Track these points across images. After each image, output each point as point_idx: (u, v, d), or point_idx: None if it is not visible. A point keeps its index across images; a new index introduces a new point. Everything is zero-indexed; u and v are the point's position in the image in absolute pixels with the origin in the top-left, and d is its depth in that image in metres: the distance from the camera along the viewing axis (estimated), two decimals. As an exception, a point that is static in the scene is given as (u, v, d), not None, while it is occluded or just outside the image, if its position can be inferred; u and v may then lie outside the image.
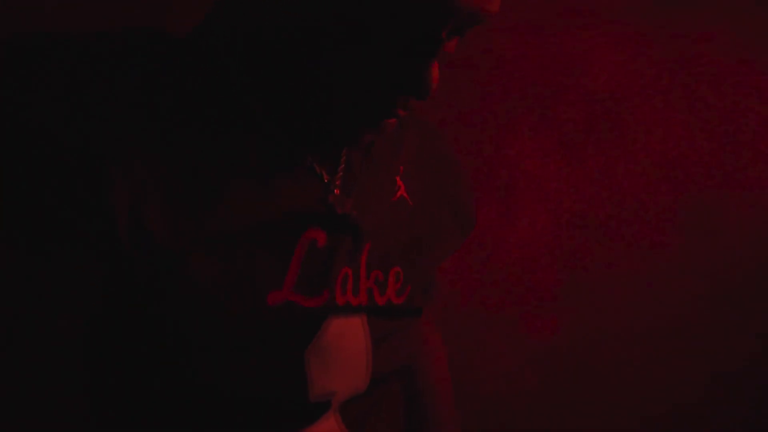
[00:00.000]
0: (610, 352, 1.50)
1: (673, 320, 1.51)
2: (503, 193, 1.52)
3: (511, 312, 1.52)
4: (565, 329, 1.52)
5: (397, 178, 0.83)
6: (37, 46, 0.64)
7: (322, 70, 0.64)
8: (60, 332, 0.66)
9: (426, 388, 0.96)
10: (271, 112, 0.69)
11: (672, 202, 1.53)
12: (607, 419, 1.50)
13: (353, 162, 0.77)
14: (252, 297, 0.66)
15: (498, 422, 1.50)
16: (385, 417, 0.81)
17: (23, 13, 0.98)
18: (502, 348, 1.51)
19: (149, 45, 0.69)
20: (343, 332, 0.72)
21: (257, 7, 0.66)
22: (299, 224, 0.70)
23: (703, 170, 1.52)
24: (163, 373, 0.66)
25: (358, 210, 0.74)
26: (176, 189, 0.63)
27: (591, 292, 1.52)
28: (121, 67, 0.65)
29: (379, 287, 0.76)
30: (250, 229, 0.66)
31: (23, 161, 0.58)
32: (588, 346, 1.51)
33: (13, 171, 0.58)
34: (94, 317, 0.66)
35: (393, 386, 0.84)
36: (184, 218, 0.63)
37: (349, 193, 0.74)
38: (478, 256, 1.52)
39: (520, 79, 1.54)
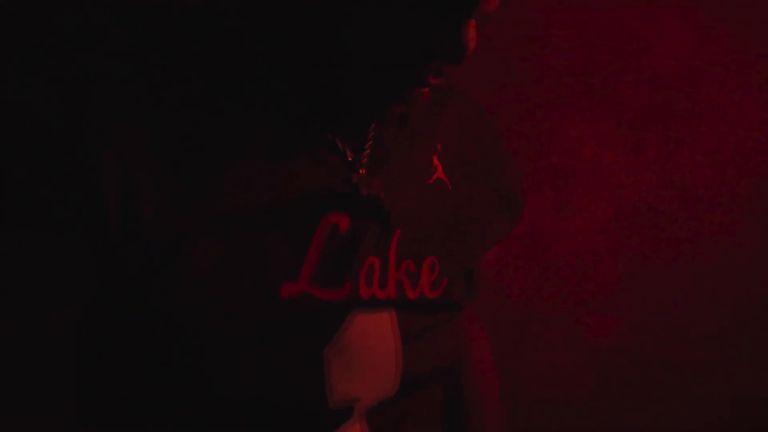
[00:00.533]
0: (674, 351, 1.40)
1: (741, 317, 1.39)
2: (559, 181, 1.42)
3: (566, 309, 1.42)
4: (625, 327, 1.41)
5: (434, 158, 0.74)
6: (21, 12, 0.58)
7: (345, 30, 0.56)
8: (53, 327, 0.60)
9: (469, 393, 0.87)
10: (285, 80, 0.61)
11: (741, 192, 1.41)
12: (670, 423, 1.39)
13: (383, 138, 0.68)
14: (263, 288, 0.58)
15: (552, 427, 1.40)
16: (421, 426, 0.73)
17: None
18: (557, 347, 1.41)
19: (154, 10, 0.62)
20: (368, 329, 0.64)
21: None
22: (318, 207, 0.62)
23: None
24: (164, 374, 0.59)
25: (387, 192, 0.66)
26: (175, 169, 0.56)
27: (653, 287, 1.41)
28: (117, 35, 0.59)
29: (411, 279, 0.68)
30: (260, 212, 0.59)
31: (9, 145, 0.52)
32: (650, 345, 1.40)
33: (2, 154, 0.52)
34: (89, 312, 0.59)
35: (430, 391, 0.75)
36: (183, 200, 0.56)
37: (376, 172, 0.66)
38: (531, 248, 1.43)
39: (578, 57, 1.44)
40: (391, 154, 0.68)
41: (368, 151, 0.66)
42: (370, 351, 0.64)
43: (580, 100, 1.44)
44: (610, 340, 1.42)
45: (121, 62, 0.57)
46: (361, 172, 0.64)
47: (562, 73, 1.45)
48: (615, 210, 1.43)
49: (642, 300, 1.42)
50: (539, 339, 1.43)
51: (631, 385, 1.41)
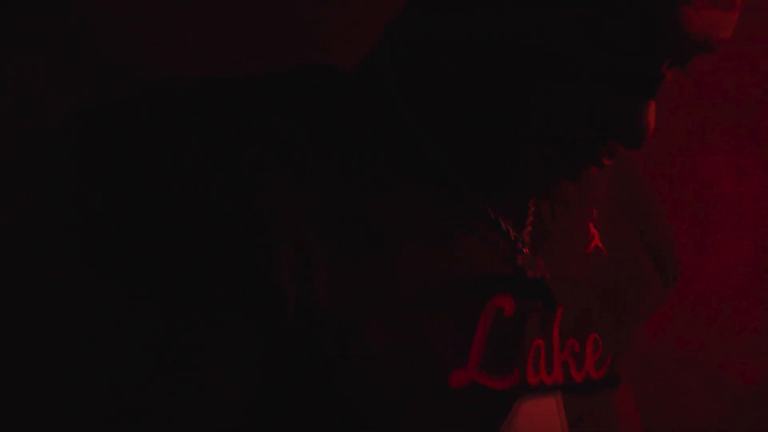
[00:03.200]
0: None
1: None
2: (697, 217, 1.36)
3: (709, 352, 1.36)
4: (773, 372, 1.34)
5: (591, 225, 0.72)
6: (195, 96, 0.59)
7: (517, 106, 0.55)
8: (221, 406, 0.60)
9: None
10: (450, 155, 0.60)
11: None
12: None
13: (542, 212, 0.66)
14: (432, 377, 0.57)
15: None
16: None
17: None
18: (700, 393, 1.35)
19: (316, 85, 0.62)
20: (535, 417, 0.62)
21: (441, 26, 0.57)
22: (483, 289, 0.60)
23: None
24: None
25: (549, 268, 0.64)
26: (345, 252, 0.56)
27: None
28: (283, 112, 0.59)
29: (576, 359, 0.65)
30: (428, 294, 0.58)
31: (188, 240, 0.52)
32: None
33: (177, 241, 0.53)
34: (257, 391, 0.59)
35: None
36: (354, 284, 0.55)
37: (539, 250, 0.64)
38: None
39: (717, 85, 1.38)
40: (551, 229, 0.66)
41: (530, 227, 0.64)
42: (537, 439, 0.62)
43: (720, 131, 1.38)
44: (759, 386, 1.35)
45: (285, 147, 0.57)
46: (525, 251, 0.63)
47: (701, 101, 1.39)
48: (759, 247, 1.37)
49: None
50: (679, 383, 1.37)
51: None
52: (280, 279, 0.52)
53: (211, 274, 0.52)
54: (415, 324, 0.56)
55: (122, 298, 0.53)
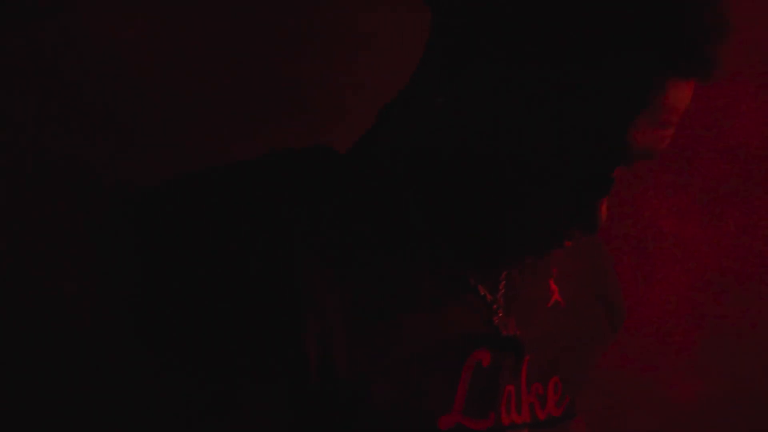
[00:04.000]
0: (760, 418, 1.46)
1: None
2: (639, 254, 1.50)
3: (651, 372, 1.50)
4: (708, 392, 1.48)
5: (551, 281, 0.84)
6: (210, 185, 0.69)
7: (497, 201, 0.67)
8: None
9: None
10: (441, 237, 0.71)
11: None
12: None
13: (512, 277, 0.78)
14: (425, 421, 0.69)
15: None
16: None
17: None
18: (643, 409, 1.49)
19: (322, 168, 0.73)
20: (508, 450, 0.74)
21: (436, 128, 0.69)
22: (466, 346, 0.72)
23: None
24: None
25: (519, 324, 0.76)
26: (358, 320, 0.67)
27: (735, 353, 1.49)
28: (300, 199, 0.69)
29: (540, 401, 0.77)
30: (422, 353, 0.69)
31: (227, 307, 0.63)
32: (733, 414, 1.47)
33: (226, 315, 0.63)
34: None
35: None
36: (364, 348, 0.66)
37: (511, 310, 0.76)
38: (616, 316, 1.51)
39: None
40: (519, 290, 0.78)
41: (503, 290, 0.77)
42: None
43: (662, 174, 1.52)
44: (692, 404, 1.49)
45: (308, 232, 0.67)
46: (500, 313, 0.75)
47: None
48: (695, 280, 1.51)
49: (724, 365, 1.49)
50: (624, 400, 1.51)
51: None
52: (305, 348, 0.63)
53: (254, 343, 0.63)
54: (412, 379, 0.68)
55: (173, 366, 0.63)
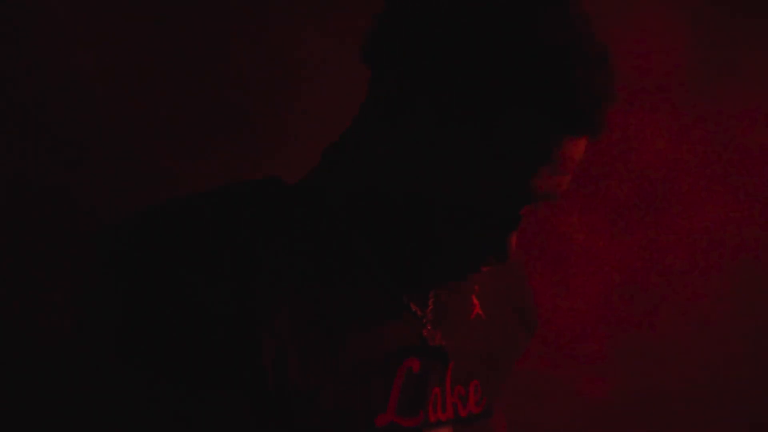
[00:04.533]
0: (663, 412, 1.64)
1: (715, 383, 1.64)
2: (556, 265, 1.66)
3: (566, 373, 1.65)
4: (615, 389, 1.65)
5: (473, 297, 0.98)
6: (170, 217, 0.78)
7: (425, 235, 0.80)
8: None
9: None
10: (378, 260, 0.84)
11: (715, 273, 1.65)
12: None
13: (439, 294, 0.92)
14: (363, 420, 0.81)
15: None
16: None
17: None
18: (559, 406, 1.65)
19: (270, 198, 0.84)
20: (435, 442, 0.87)
21: (376, 171, 0.80)
22: (399, 355, 0.85)
23: (749, 242, 1.64)
24: None
25: (444, 335, 0.89)
26: (308, 337, 0.78)
27: (639, 354, 1.66)
28: (256, 228, 0.79)
29: (462, 401, 0.91)
30: (362, 363, 0.82)
31: (193, 328, 0.74)
32: (639, 407, 1.64)
33: (192, 335, 0.73)
34: None
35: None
36: (313, 361, 0.78)
37: (438, 324, 0.89)
38: (534, 323, 1.66)
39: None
40: (446, 306, 0.92)
41: (431, 306, 0.90)
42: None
43: (576, 195, 1.68)
44: (602, 400, 1.66)
45: (263, 260, 0.78)
46: (428, 327, 0.88)
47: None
48: (605, 289, 1.67)
49: (630, 366, 1.66)
50: (540, 396, 1.66)
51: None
52: (263, 363, 0.74)
53: (219, 360, 0.73)
54: (354, 384, 0.80)
55: (144, 377, 0.73)
